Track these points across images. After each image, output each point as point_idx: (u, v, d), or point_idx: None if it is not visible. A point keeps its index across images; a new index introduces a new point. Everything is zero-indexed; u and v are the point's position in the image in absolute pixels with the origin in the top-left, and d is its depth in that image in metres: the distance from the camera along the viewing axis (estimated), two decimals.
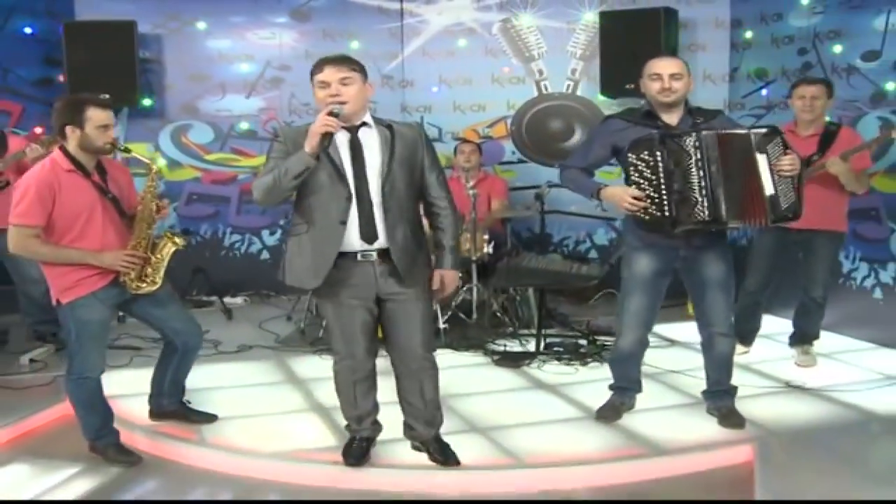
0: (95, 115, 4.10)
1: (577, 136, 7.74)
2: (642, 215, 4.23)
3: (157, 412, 4.72)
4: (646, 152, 4.17)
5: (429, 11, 8.08)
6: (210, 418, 4.72)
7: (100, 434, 4.35)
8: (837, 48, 6.33)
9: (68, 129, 4.12)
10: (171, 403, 4.70)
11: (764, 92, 7.01)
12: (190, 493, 4.05)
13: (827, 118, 5.47)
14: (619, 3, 7.53)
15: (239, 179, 7.96)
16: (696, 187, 4.11)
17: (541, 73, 7.84)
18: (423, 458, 4.21)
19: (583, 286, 6.84)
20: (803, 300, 5.62)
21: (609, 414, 4.70)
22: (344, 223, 3.76)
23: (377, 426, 4.25)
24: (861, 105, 6.12)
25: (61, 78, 7.38)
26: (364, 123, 3.82)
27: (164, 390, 4.68)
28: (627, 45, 7.04)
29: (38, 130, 6.98)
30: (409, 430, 4.24)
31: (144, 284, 4.27)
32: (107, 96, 6.61)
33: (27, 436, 4.76)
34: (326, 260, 3.81)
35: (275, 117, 7.90)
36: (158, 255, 4.30)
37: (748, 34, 7.19)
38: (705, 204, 4.11)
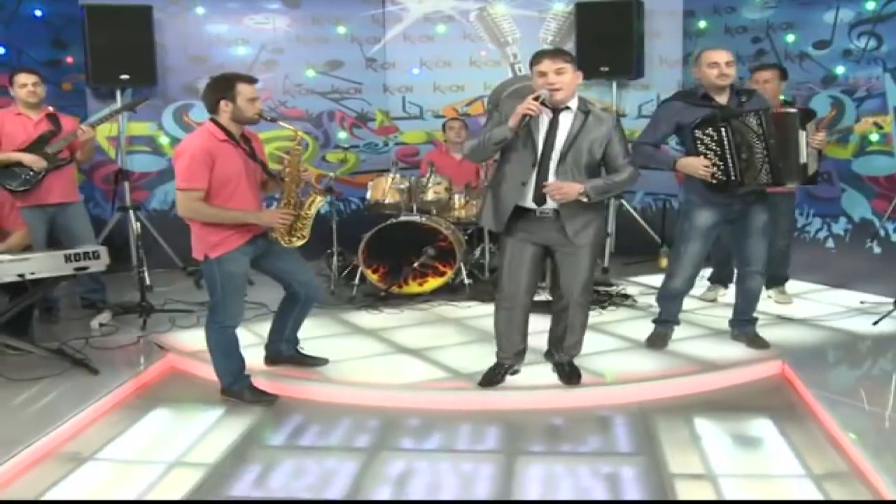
0: (245, 90, 4.58)
1: None
2: (711, 179, 5.09)
3: (273, 358, 5.22)
4: (710, 128, 5.05)
5: (409, 0, 8.75)
6: (323, 362, 5.26)
7: (237, 378, 4.84)
8: (790, 38, 7.44)
9: (222, 103, 4.57)
10: (288, 349, 5.23)
11: None
12: (338, 425, 4.52)
13: (782, 97, 6.48)
14: None
15: None
16: (760, 156, 5.00)
17: (515, 56, 8.67)
18: (525, 381, 4.95)
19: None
20: (771, 251, 6.62)
21: (658, 342, 5.57)
22: (525, 184, 4.51)
23: (520, 357, 4.95)
24: (812, 86, 7.24)
25: (69, 59, 7.64)
26: (567, 108, 4.50)
27: (284, 336, 5.19)
28: (601, 32, 7.96)
29: (50, 109, 7.22)
30: (549, 355, 5.00)
31: (295, 238, 4.80)
32: (126, 76, 7.14)
33: (147, 386, 5.18)
34: (506, 211, 4.58)
35: (270, 97, 8.37)
36: (306, 212, 4.81)
37: (701, 24, 8.20)
38: (768, 170, 5.00)
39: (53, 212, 6.26)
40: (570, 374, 4.94)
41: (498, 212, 4.65)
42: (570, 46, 8.38)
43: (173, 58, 8.04)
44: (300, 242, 4.84)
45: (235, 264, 4.67)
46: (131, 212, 7.57)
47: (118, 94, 7.60)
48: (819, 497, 3.69)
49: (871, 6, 6.87)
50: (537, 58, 4.50)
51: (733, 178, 5.04)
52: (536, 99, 4.34)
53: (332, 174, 7.33)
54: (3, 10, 7.39)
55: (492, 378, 4.90)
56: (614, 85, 8.34)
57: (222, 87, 4.62)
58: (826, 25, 7.12)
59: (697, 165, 5.08)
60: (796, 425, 4.41)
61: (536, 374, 5.02)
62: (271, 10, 8.49)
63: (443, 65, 8.75)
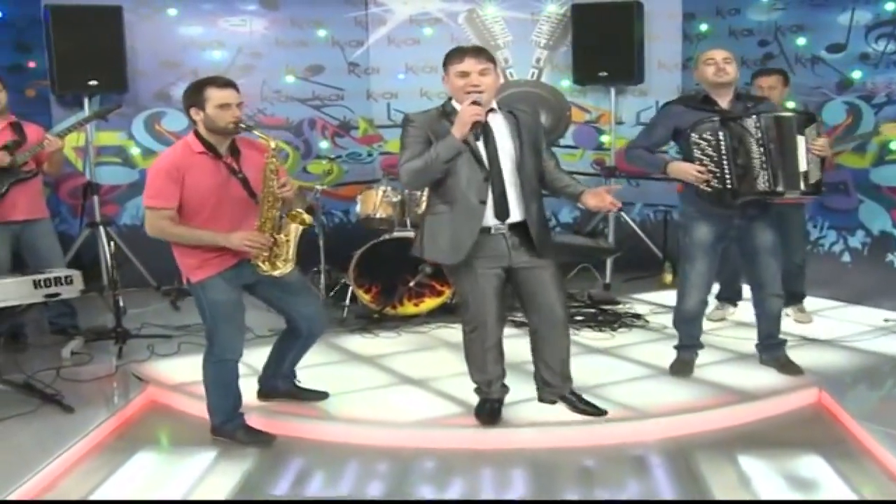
0: (215, 95, 4.09)
1: (542, 120, 8.13)
2: (705, 187, 4.74)
3: (268, 392, 4.76)
4: (708, 132, 4.72)
5: (394, 2, 8.32)
6: (323, 396, 4.80)
7: (231, 417, 4.38)
8: (801, 41, 7.08)
9: (192, 111, 4.13)
10: (285, 384, 4.77)
11: None
12: (346, 470, 4.09)
13: (792, 104, 6.14)
14: None
15: None
16: (758, 162, 4.65)
17: (506, 61, 8.22)
18: (551, 414, 4.51)
19: (603, 259, 7.30)
20: (786, 266, 6.28)
21: (683, 369, 5.16)
22: (484, 202, 4.12)
23: (505, 388, 4.55)
24: (826, 91, 6.89)
25: (31, 64, 7.11)
26: (492, 109, 4.14)
27: (281, 371, 4.73)
28: (598, 35, 7.58)
29: (13, 118, 6.69)
30: (545, 386, 4.55)
31: (276, 267, 4.25)
32: (94, 83, 6.62)
33: (128, 424, 4.70)
34: (469, 236, 4.14)
35: (247, 104, 7.82)
36: (285, 235, 4.25)
37: (703, 26, 7.83)
38: (765, 177, 4.65)
39: (18, 229, 5.74)
40: (586, 402, 4.55)
41: (456, 240, 4.18)
42: (565, 50, 8.04)
43: (144, 62, 7.50)
44: (284, 270, 4.28)
45: (219, 291, 4.22)
46: (101, 228, 7.02)
47: (86, 101, 7.05)
48: None
49: (890, 7, 6.54)
50: (458, 55, 4.12)
51: (729, 185, 4.71)
52: (476, 104, 3.95)
53: (317, 187, 6.86)
54: None
55: (491, 415, 4.46)
56: (612, 91, 7.94)
57: (190, 93, 4.17)
58: (841, 28, 6.77)
59: (689, 170, 4.77)
60: (852, 464, 4.01)
61: (558, 408, 4.58)
62: (248, 11, 7.98)
63: (430, 70, 8.21)
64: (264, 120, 7.94)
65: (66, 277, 4.67)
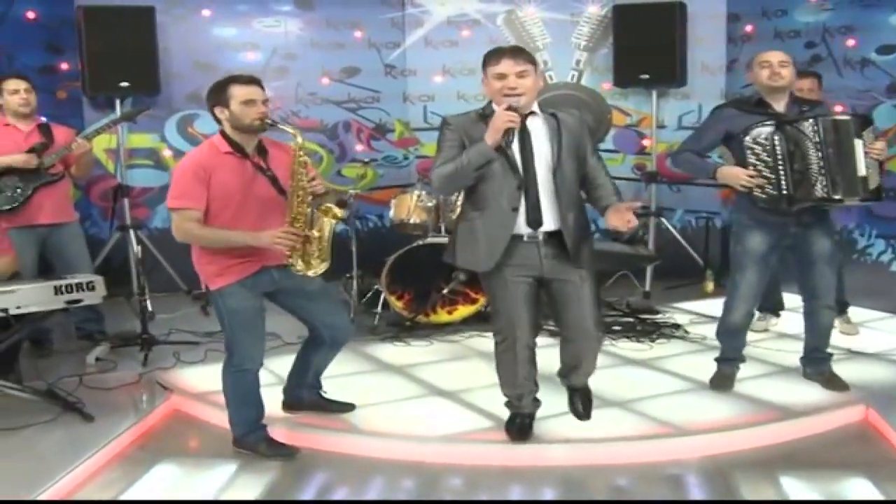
0: (239, 92, 3.98)
1: None
2: (759, 194, 4.54)
3: (292, 404, 4.63)
4: (763, 136, 4.52)
5: (431, 3, 8.16)
6: (349, 407, 4.66)
7: (253, 429, 4.25)
8: (850, 42, 6.83)
9: (217, 110, 4.03)
10: (310, 395, 4.64)
11: None
12: (370, 485, 3.96)
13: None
14: None
15: None
16: (815, 167, 4.44)
17: (545, 63, 8.03)
18: (584, 431, 4.33)
19: (643, 267, 7.11)
20: None
21: (724, 384, 4.96)
22: (516, 210, 3.93)
23: (537, 403, 4.37)
24: (876, 95, 6.64)
25: (64, 65, 7.04)
26: (532, 112, 3.96)
27: (305, 381, 4.59)
28: (640, 37, 7.37)
29: (42, 119, 6.63)
30: (561, 374, 4.39)
31: (311, 265, 4.10)
32: (126, 84, 6.54)
33: (150, 434, 4.60)
34: (500, 244, 3.96)
35: (281, 107, 7.77)
36: (317, 231, 4.09)
37: (748, 28, 7.60)
38: (824, 182, 4.44)
39: (45, 233, 5.66)
40: (582, 410, 4.36)
41: (487, 247, 4.01)
42: (605, 52, 7.84)
43: (177, 64, 7.41)
44: (321, 268, 4.14)
45: (238, 299, 4.07)
46: (131, 231, 6.94)
47: (117, 103, 6.97)
48: None
49: None
50: (494, 57, 3.91)
51: (784, 192, 4.50)
52: (510, 109, 3.78)
53: (350, 191, 6.74)
54: None
55: (521, 430, 4.30)
56: (654, 93, 7.72)
57: (214, 92, 4.05)
58: (892, 29, 6.54)
59: (739, 175, 4.57)
60: None
61: (591, 424, 4.39)
62: (283, 12, 7.86)
63: (467, 72, 8.07)
64: (299, 122, 7.80)
65: (87, 283, 4.56)
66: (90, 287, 4.56)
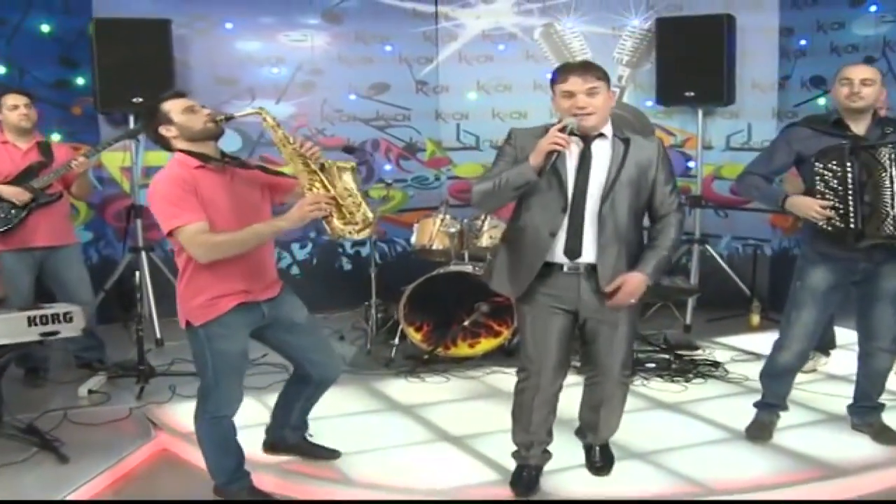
0: (173, 105, 3.60)
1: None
2: (825, 226, 4.07)
3: (274, 444, 4.28)
4: (834, 162, 4.03)
5: (465, 16, 7.78)
6: (334, 454, 4.30)
7: (234, 477, 3.88)
8: None
9: (162, 129, 3.60)
10: (294, 437, 4.27)
11: (822, 101, 6.90)
12: None
13: None
14: (666, 9, 7.36)
15: None
16: (889, 200, 3.94)
17: None
18: (599, 487, 3.96)
19: (682, 300, 6.67)
20: None
21: (761, 433, 4.51)
22: (554, 235, 3.59)
23: (546, 455, 4.01)
24: None
25: (80, 80, 6.79)
26: (601, 135, 3.58)
27: (289, 422, 4.23)
28: (686, 52, 6.92)
29: (56, 137, 6.38)
30: (579, 432, 4.16)
31: (358, 225, 3.59)
32: (139, 100, 6.25)
33: (129, 478, 4.26)
34: (531, 270, 3.67)
35: (306, 124, 7.46)
36: (343, 187, 3.61)
37: (802, 42, 7.09)
38: (894, 219, 3.93)
39: (41, 256, 5.37)
40: (600, 466, 4.07)
41: (517, 272, 3.71)
42: (648, 68, 7.37)
43: (197, 79, 7.08)
44: (367, 230, 3.62)
45: (230, 341, 3.67)
46: (143, 253, 6.65)
47: (131, 119, 6.67)
48: None
49: None
50: (563, 73, 3.54)
51: (852, 225, 4.01)
52: (563, 130, 3.40)
53: (369, 214, 6.36)
54: (4, 25, 6.51)
55: (527, 486, 3.93)
56: (700, 112, 7.22)
57: (148, 116, 3.67)
58: None
59: (812, 206, 4.08)
60: None
61: (606, 480, 4.02)
62: (310, 25, 7.51)
63: (503, 88, 7.71)
64: (324, 141, 7.47)
65: (65, 314, 4.22)
66: (67, 318, 4.23)
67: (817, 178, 4.08)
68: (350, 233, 3.59)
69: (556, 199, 3.56)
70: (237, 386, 3.78)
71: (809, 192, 4.16)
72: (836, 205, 4.03)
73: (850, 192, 3.99)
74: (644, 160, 3.61)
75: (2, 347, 4.15)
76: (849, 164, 3.99)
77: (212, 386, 3.72)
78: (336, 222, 3.56)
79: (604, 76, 3.54)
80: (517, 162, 3.54)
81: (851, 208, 4.00)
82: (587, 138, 3.55)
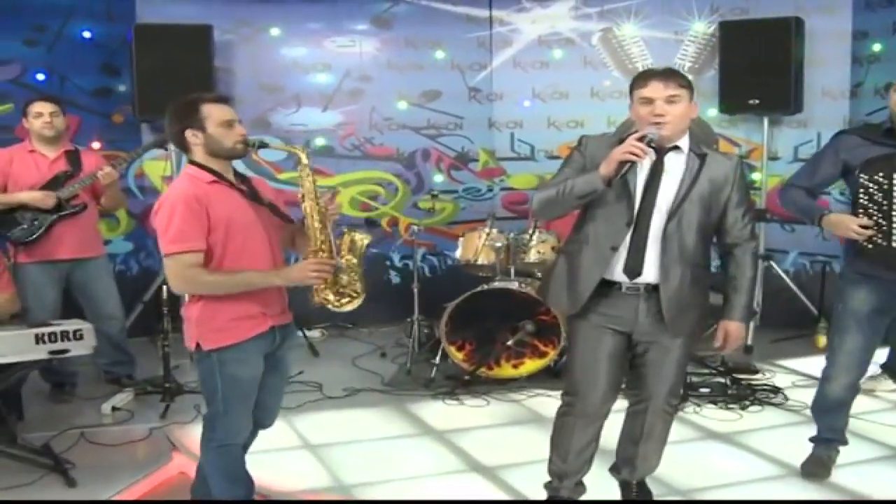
0: (215, 112, 3.35)
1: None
2: (866, 244, 3.75)
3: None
4: (881, 174, 3.72)
5: (521, 20, 7.51)
6: None
7: None
8: None
9: (188, 133, 3.34)
10: None
11: None
12: None
13: None
14: (731, 12, 7.01)
15: None
16: None
17: None
18: None
19: None
20: None
21: (817, 470, 4.16)
22: (615, 249, 3.36)
23: (580, 488, 3.71)
24: None
25: (122, 88, 6.69)
26: (676, 147, 3.33)
27: None
28: (751, 57, 6.56)
29: (96, 146, 6.27)
30: (614, 469, 3.82)
31: (346, 298, 3.49)
32: None
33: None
34: (587, 285, 3.43)
35: (354, 133, 7.26)
36: (348, 258, 3.50)
37: (876, 47, 6.66)
38: None
39: (67, 268, 5.24)
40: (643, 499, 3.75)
41: (575, 287, 3.45)
42: (712, 74, 7.00)
43: (241, 86, 6.95)
44: (355, 303, 3.51)
45: (244, 366, 3.40)
46: None
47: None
48: None
49: None
50: (642, 78, 3.32)
51: (894, 244, 3.68)
52: (642, 140, 3.17)
53: (414, 227, 6.16)
54: (45, 32, 6.45)
55: None
56: (766, 121, 6.86)
57: (182, 113, 3.37)
58: None
59: (850, 224, 3.78)
60: None
61: None
62: (358, 31, 7.33)
63: (559, 96, 7.44)
64: (372, 150, 7.29)
65: (75, 332, 4.06)
66: (77, 336, 4.06)
67: (861, 190, 3.77)
68: (335, 304, 3.49)
69: (622, 212, 3.34)
70: (246, 413, 3.52)
71: (853, 205, 3.83)
72: (880, 221, 3.71)
73: (894, 207, 3.67)
74: (719, 177, 3.36)
75: (9, 366, 3.99)
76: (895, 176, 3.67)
77: (220, 413, 3.46)
78: (326, 292, 3.46)
79: (687, 84, 3.31)
80: (585, 170, 3.34)
81: (895, 226, 3.68)
82: (661, 150, 3.31)
